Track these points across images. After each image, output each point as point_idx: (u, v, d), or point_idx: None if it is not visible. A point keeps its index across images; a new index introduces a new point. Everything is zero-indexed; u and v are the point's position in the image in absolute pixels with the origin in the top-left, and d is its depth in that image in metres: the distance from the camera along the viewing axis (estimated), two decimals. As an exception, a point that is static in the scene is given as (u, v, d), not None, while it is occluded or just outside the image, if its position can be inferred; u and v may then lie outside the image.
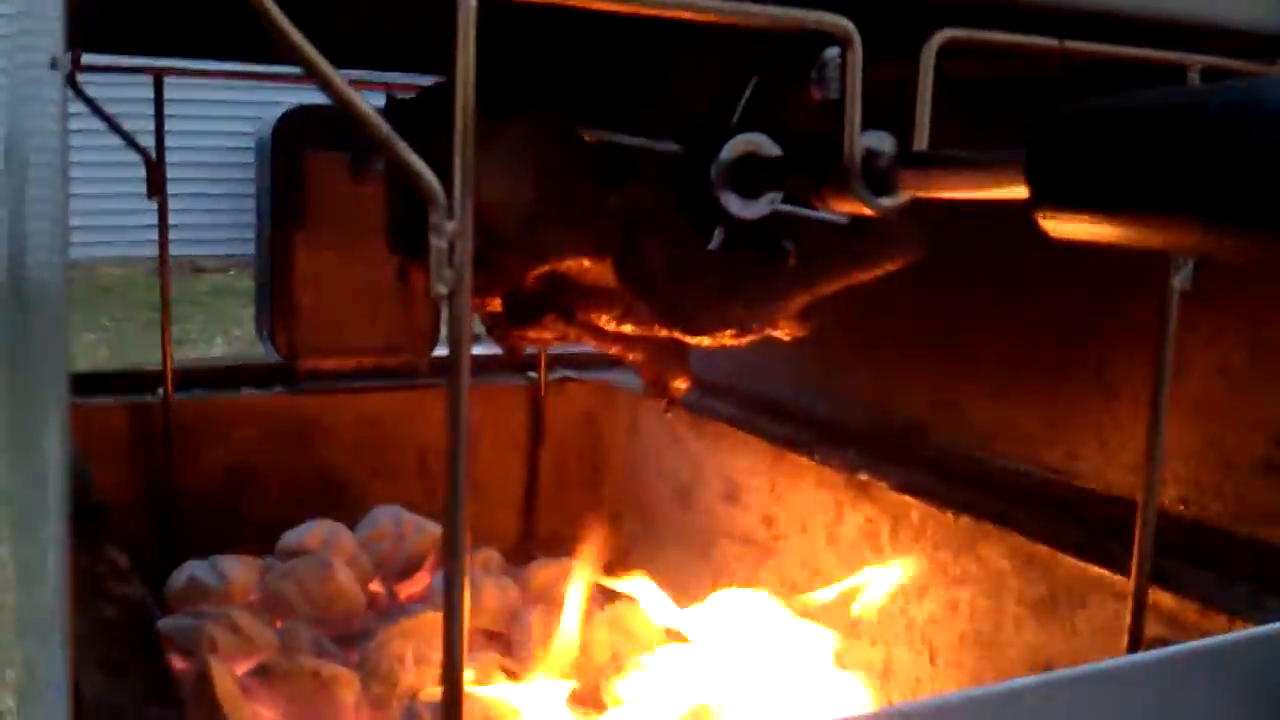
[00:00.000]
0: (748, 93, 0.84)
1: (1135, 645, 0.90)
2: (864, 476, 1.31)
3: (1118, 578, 1.00)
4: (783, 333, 0.96)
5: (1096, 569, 1.03)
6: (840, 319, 1.36)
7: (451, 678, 0.63)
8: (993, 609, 1.14)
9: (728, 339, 0.92)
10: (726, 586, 1.42)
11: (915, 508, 1.24)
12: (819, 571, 1.38)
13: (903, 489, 1.26)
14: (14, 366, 1.02)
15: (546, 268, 0.93)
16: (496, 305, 1.02)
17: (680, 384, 1.04)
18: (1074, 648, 1.03)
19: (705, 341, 0.93)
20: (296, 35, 0.53)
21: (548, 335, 1.04)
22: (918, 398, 1.36)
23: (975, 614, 1.15)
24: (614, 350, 1.06)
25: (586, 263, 0.92)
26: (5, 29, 1.14)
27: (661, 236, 0.86)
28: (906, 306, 1.34)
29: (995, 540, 1.14)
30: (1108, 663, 0.73)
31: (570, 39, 0.88)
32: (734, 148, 0.78)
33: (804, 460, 1.40)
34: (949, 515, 1.19)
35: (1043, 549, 1.09)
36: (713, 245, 0.81)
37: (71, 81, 1.19)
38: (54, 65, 0.57)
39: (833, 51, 0.72)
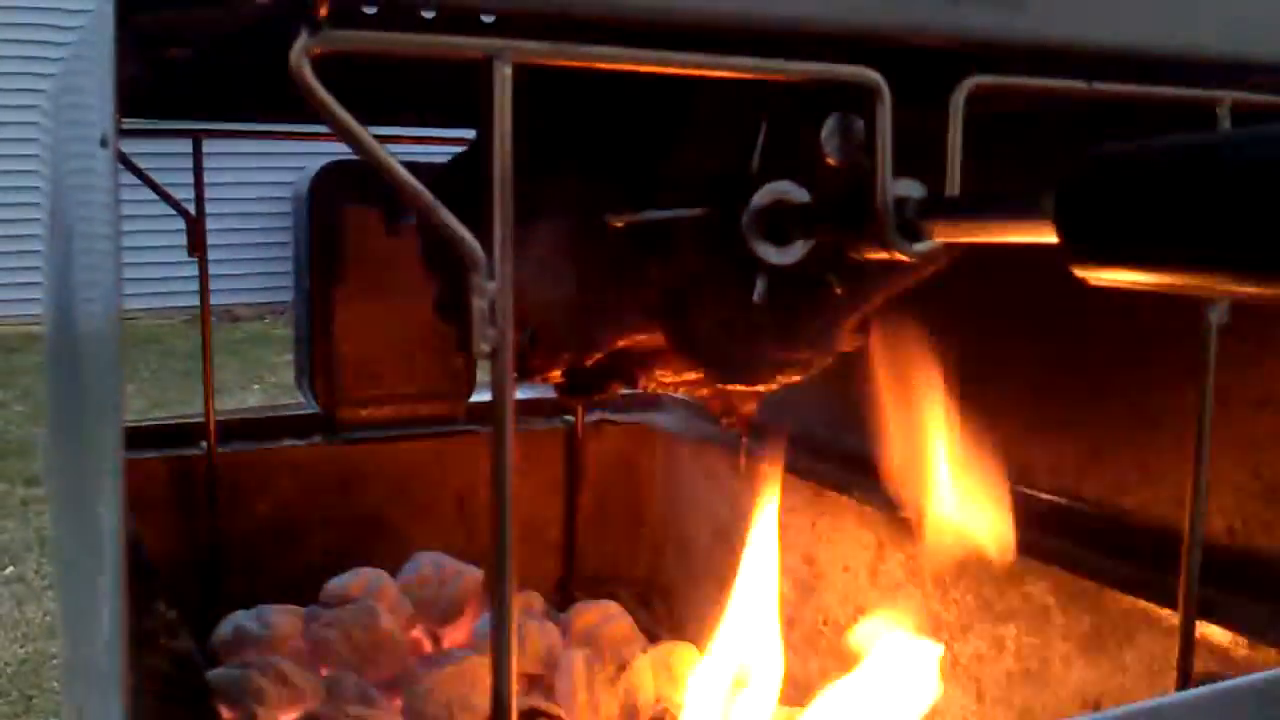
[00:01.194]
0: (761, 141, 0.85)
1: (1184, 681, 0.89)
2: (906, 514, 1.30)
3: (1165, 611, 0.99)
4: (845, 349, 0.97)
5: (1143, 603, 1.02)
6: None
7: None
8: (1039, 645, 1.13)
9: (793, 378, 0.93)
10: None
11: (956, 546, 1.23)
12: (862, 609, 1.37)
13: (943, 525, 1.25)
14: (62, 421, 1.04)
15: (600, 355, 0.95)
16: (558, 377, 1.03)
17: (750, 408, 1.05)
18: (1123, 684, 1.03)
19: (771, 387, 0.94)
20: (338, 108, 0.55)
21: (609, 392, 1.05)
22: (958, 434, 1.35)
23: (1022, 651, 1.15)
24: (679, 392, 1.07)
25: (640, 336, 0.93)
26: (48, 96, 1.16)
27: (707, 299, 0.87)
28: (944, 341, 1.34)
29: (1040, 576, 1.13)
30: (1155, 701, 0.73)
31: (582, 113, 0.90)
32: (762, 197, 0.79)
33: (844, 499, 1.40)
34: (992, 552, 1.18)
35: (1088, 584, 1.08)
36: (756, 296, 0.82)
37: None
38: (104, 143, 0.58)
39: (835, 120, 0.73)
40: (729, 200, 0.84)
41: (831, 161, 0.75)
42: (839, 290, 0.82)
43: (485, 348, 0.59)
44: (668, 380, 1.00)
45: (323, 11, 0.54)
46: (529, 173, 0.60)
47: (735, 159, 0.85)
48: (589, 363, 1.00)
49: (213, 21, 0.62)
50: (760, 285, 0.84)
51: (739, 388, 0.95)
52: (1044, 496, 1.23)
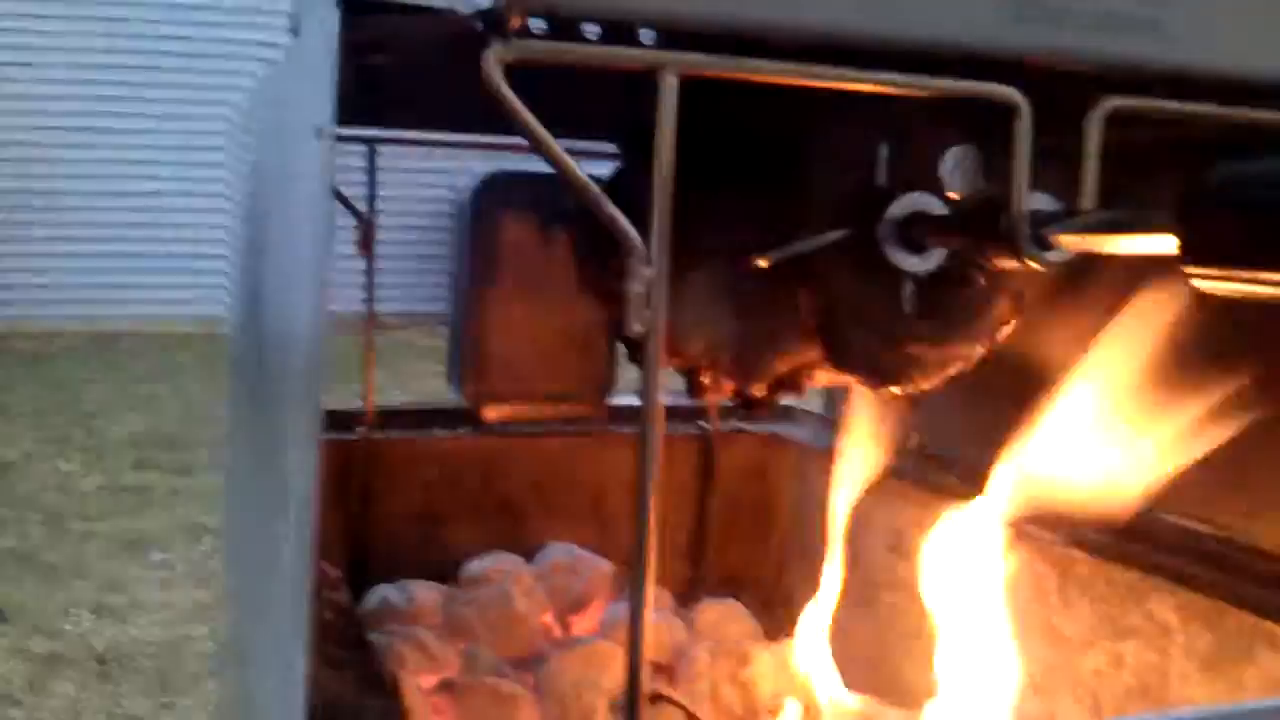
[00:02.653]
0: (884, 157, 0.89)
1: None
2: (1032, 529, 1.32)
3: (1285, 632, 1.00)
4: (998, 332, 1.00)
5: (1264, 623, 1.03)
6: (1008, 374, 1.39)
7: (632, 700, 0.69)
8: (1159, 662, 1.14)
9: (954, 372, 0.98)
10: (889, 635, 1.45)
11: (1082, 561, 1.25)
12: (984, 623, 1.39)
13: (1070, 542, 1.27)
14: (252, 397, 1.13)
15: (768, 379, 1.01)
16: (730, 391, 1.09)
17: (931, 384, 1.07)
18: (1242, 700, 1.03)
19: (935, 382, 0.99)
20: (524, 110, 0.62)
21: None
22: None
23: (1141, 667, 1.16)
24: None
25: (800, 358, 0.99)
26: (247, 103, 1.27)
27: (859, 314, 0.92)
28: (1074, 361, 1.36)
29: (1163, 594, 1.14)
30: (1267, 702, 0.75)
31: (717, 154, 0.95)
32: (899, 209, 0.84)
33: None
34: (1116, 569, 1.20)
35: (1210, 603, 1.09)
36: (906, 305, 0.87)
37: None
38: (319, 135, 0.67)
39: (956, 153, 0.77)
40: (865, 217, 0.89)
41: (954, 195, 0.79)
42: (983, 283, 0.85)
43: (639, 328, 0.65)
44: (828, 381, 1.05)
45: (515, 24, 0.62)
46: (678, 222, 0.66)
47: (863, 177, 0.89)
48: (755, 390, 1.06)
49: (420, 30, 0.70)
50: (908, 292, 0.88)
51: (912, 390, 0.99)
52: (1175, 519, 1.23)
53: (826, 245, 0.88)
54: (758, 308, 0.96)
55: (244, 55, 7.42)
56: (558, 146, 0.64)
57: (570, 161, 0.65)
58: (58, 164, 7.76)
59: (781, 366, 1.01)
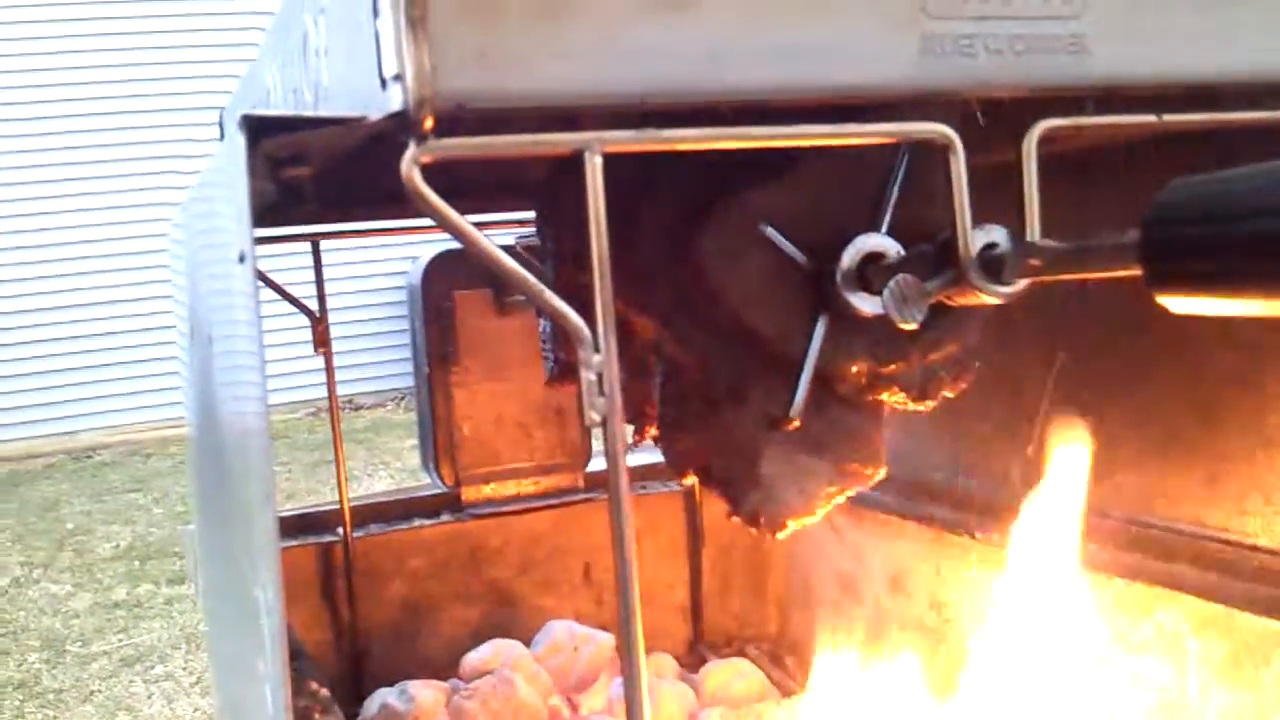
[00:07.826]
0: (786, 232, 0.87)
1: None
2: (1030, 550, 1.30)
3: (1302, 632, 0.98)
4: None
5: (1276, 624, 1.01)
6: (987, 395, 1.37)
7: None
8: (1177, 674, 1.11)
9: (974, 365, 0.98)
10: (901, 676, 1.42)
11: (1086, 578, 1.22)
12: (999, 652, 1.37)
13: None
14: (212, 514, 1.10)
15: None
16: None
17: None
18: (1263, 705, 1.01)
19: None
20: (447, 209, 0.60)
21: None
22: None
23: (1160, 681, 1.13)
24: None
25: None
26: (179, 216, 1.25)
27: (886, 374, 0.91)
28: (1054, 376, 1.34)
29: (1170, 603, 1.12)
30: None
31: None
32: (850, 259, 0.81)
33: (967, 541, 1.40)
34: (1120, 583, 1.18)
35: (1219, 609, 1.07)
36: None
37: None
38: (242, 259, 0.65)
39: (894, 284, 0.75)
40: (822, 290, 0.86)
41: (907, 325, 0.77)
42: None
43: (596, 416, 0.63)
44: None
45: (428, 125, 0.60)
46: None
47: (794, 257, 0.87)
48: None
49: (331, 142, 0.68)
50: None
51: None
52: (1165, 524, 1.21)
53: (827, 348, 0.85)
54: (812, 444, 0.96)
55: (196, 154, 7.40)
56: (486, 242, 0.62)
57: (503, 256, 0.62)
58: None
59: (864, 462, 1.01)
